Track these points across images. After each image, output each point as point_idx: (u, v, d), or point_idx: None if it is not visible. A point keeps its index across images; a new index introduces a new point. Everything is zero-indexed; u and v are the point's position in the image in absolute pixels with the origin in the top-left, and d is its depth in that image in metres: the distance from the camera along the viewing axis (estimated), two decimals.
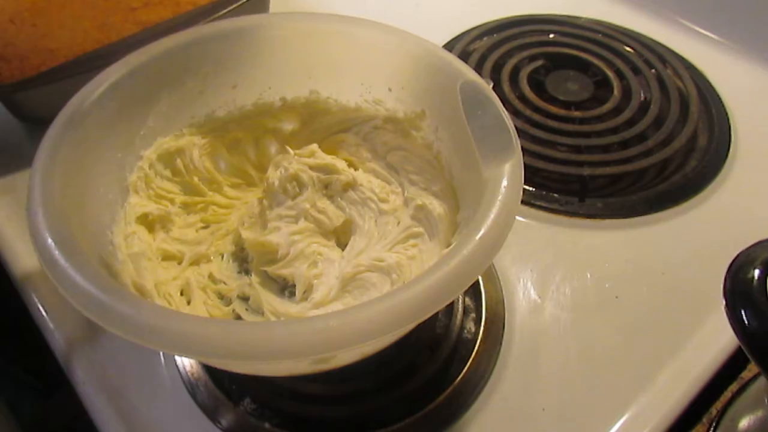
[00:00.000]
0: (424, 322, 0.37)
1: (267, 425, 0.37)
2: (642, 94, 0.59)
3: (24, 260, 0.46)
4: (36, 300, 0.44)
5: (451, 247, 0.29)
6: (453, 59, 0.39)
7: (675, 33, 0.67)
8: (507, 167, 0.32)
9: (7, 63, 0.53)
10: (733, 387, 0.39)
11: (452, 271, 0.27)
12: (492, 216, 0.29)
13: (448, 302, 0.27)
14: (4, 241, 0.47)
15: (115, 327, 0.26)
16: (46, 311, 0.43)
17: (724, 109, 0.58)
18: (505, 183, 0.31)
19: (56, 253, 0.28)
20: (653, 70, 0.61)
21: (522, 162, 0.33)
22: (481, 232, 0.28)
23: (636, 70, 0.61)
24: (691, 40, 0.66)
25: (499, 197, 0.30)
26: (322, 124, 0.45)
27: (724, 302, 0.26)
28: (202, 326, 0.25)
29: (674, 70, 0.61)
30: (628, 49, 0.64)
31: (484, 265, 0.28)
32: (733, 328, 0.25)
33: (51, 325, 0.43)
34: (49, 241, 0.28)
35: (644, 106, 0.58)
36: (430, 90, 0.40)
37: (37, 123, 0.56)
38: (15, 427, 0.58)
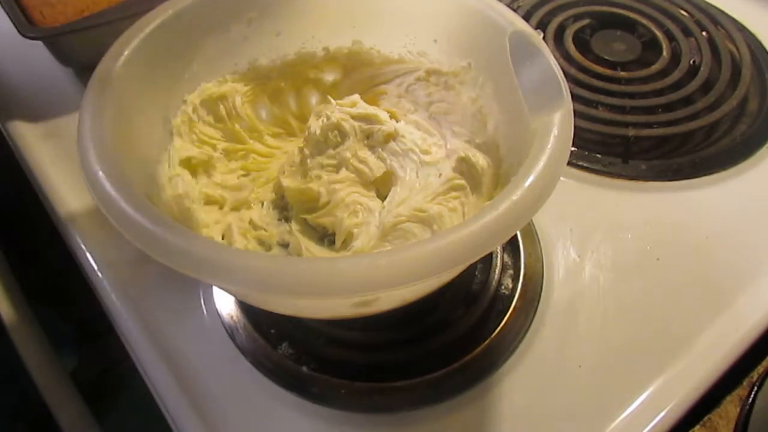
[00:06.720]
0: (460, 277, 0.37)
1: (304, 368, 0.38)
2: (691, 58, 0.57)
3: (68, 202, 0.47)
4: (80, 241, 0.45)
5: (500, 194, 0.29)
6: (503, 8, 0.38)
7: None
8: (557, 116, 0.31)
9: (51, 7, 0.53)
10: None
11: (503, 214, 0.26)
12: (542, 163, 0.29)
13: (496, 246, 0.27)
14: (49, 183, 0.48)
15: (166, 258, 0.26)
16: (89, 252, 0.44)
17: None
18: (555, 132, 0.31)
19: (107, 185, 0.28)
20: (705, 33, 0.59)
21: (572, 111, 0.32)
22: (532, 178, 0.28)
23: (687, 32, 0.59)
24: (745, 2, 0.64)
25: (549, 145, 0.30)
26: (364, 75, 0.45)
27: None
28: (254, 259, 0.26)
29: (727, 32, 0.59)
30: (680, 10, 0.61)
31: (534, 209, 0.28)
32: None
33: (94, 266, 0.44)
34: (101, 173, 0.29)
35: (693, 70, 0.56)
36: (478, 41, 0.39)
37: (80, 67, 0.57)
38: (61, 370, 0.59)
